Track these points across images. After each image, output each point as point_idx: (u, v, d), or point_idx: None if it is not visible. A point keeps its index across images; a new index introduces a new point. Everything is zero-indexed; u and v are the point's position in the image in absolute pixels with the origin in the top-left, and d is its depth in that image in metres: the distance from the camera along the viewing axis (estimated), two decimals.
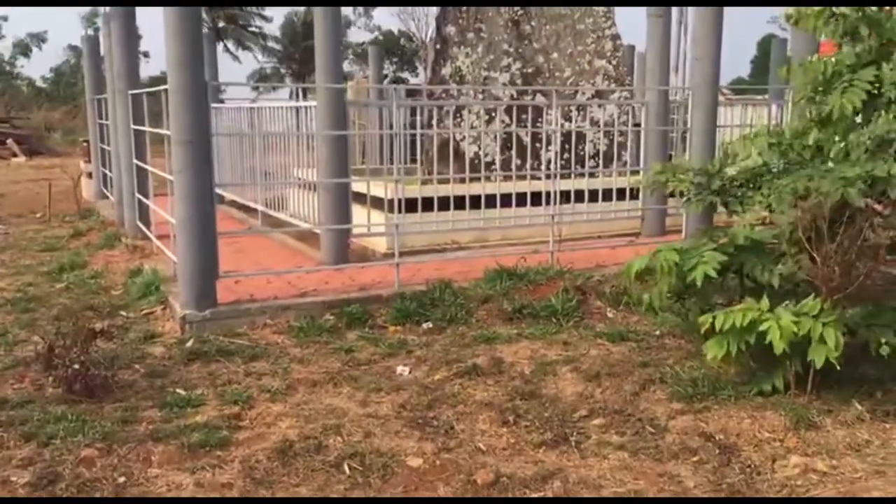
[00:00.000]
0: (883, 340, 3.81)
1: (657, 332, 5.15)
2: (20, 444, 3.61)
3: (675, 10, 9.34)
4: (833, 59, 4.11)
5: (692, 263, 4.06)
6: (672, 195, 7.18)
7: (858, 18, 4.10)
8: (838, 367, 3.64)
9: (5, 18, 40.29)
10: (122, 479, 3.30)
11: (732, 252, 4.20)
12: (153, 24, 9.55)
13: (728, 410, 3.89)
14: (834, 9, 4.20)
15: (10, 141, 23.30)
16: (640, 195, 7.54)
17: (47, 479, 3.29)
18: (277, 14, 42.29)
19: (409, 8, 35.41)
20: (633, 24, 9.22)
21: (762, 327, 3.65)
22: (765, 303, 3.79)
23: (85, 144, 12.51)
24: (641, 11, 7.62)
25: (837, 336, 3.56)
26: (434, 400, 4.13)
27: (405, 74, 41.69)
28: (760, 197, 4.26)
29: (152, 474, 3.36)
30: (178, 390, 4.29)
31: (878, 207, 3.90)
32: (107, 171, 10.57)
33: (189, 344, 4.98)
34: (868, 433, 3.66)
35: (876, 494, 3.14)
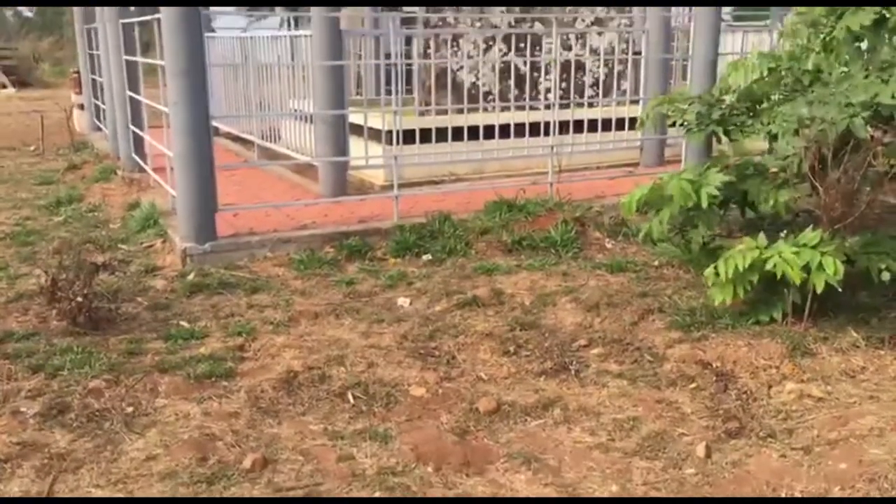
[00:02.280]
0: (883, 266, 3.84)
1: (656, 263, 5.19)
2: (28, 375, 3.66)
3: None
4: None
5: (697, 185, 4.06)
6: (672, 125, 7.15)
7: None
8: (839, 290, 3.68)
9: None
10: (130, 409, 3.37)
11: (735, 179, 4.20)
12: None
13: (725, 339, 3.95)
14: None
15: None
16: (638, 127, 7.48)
17: (57, 409, 3.35)
18: None
19: None
20: None
21: (768, 266, 3.67)
22: (762, 240, 3.81)
23: (75, 75, 12.29)
24: None
25: (837, 263, 3.59)
26: (435, 331, 4.18)
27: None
28: (760, 125, 4.24)
29: (160, 404, 3.42)
30: (181, 322, 4.33)
31: (883, 137, 3.87)
32: (99, 103, 10.43)
33: (190, 277, 5.01)
34: (863, 360, 3.73)
35: (869, 419, 3.21)
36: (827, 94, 3.85)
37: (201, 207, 5.23)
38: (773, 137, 4.12)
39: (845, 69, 4.06)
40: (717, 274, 3.79)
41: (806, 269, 3.62)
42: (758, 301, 4.11)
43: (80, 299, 4.14)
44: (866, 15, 3.91)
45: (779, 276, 3.68)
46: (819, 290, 3.63)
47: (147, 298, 4.71)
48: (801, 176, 4.06)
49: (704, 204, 4.02)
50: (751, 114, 4.47)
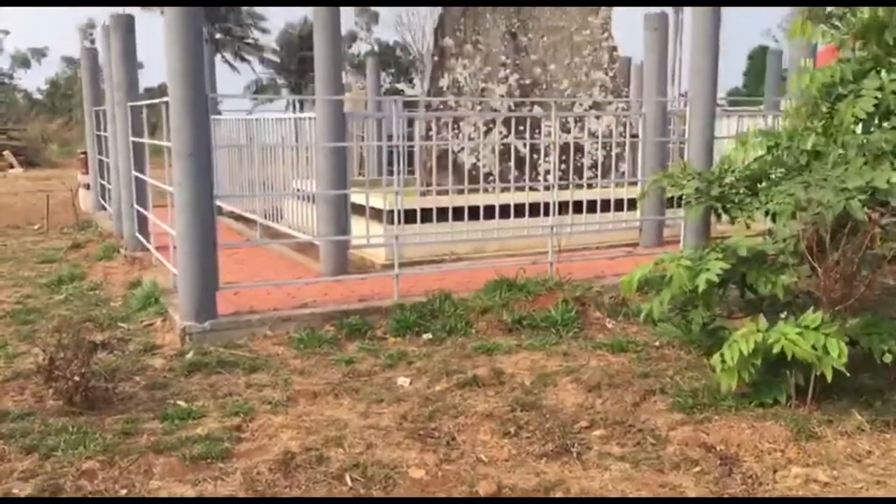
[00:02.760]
0: (885, 348, 3.83)
1: (657, 343, 5.16)
2: (21, 456, 3.60)
3: (670, 21, 9.40)
4: (839, 67, 4.13)
5: (696, 271, 4.08)
6: (670, 204, 7.23)
7: (866, 25, 4.11)
8: (847, 374, 3.66)
9: (6, 32, 40.30)
10: (123, 492, 3.30)
11: (734, 263, 4.22)
12: (148, 33, 9.59)
13: (729, 421, 3.90)
14: (840, 13, 4.23)
15: (6, 152, 23.29)
16: (638, 206, 7.57)
17: (49, 492, 3.28)
18: (275, 22, 42.35)
19: (406, 20, 35.53)
20: (629, 36, 9.28)
21: (774, 349, 3.67)
22: (762, 322, 3.81)
23: (82, 156, 12.51)
24: (638, 24, 7.69)
25: (841, 345, 3.58)
26: (435, 411, 4.13)
27: (401, 86, 41.79)
28: (758, 203, 4.29)
29: (154, 486, 3.36)
30: (178, 402, 4.29)
31: (880, 219, 3.91)
32: (105, 183, 10.58)
33: (189, 356, 4.98)
34: (868, 443, 3.67)
35: None
36: (823, 177, 3.90)
37: (202, 286, 5.24)
38: (771, 217, 4.17)
39: (842, 151, 4.13)
40: (722, 360, 3.79)
41: (812, 350, 3.61)
42: (761, 383, 4.08)
43: (77, 379, 4.10)
44: (867, 102, 3.99)
45: (789, 357, 3.67)
46: (829, 377, 3.62)
47: (145, 377, 4.67)
48: (800, 256, 4.09)
49: (702, 288, 4.03)
50: (750, 192, 4.52)
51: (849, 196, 3.69)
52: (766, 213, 4.18)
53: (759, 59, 38.01)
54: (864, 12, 4.06)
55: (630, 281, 4.38)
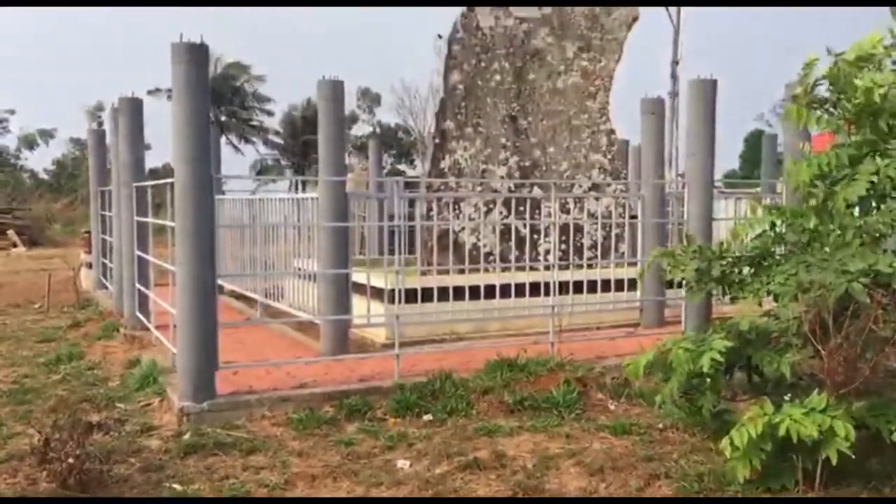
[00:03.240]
0: (893, 428, 3.79)
1: (660, 426, 5.09)
2: None
3: (667, 107, 9.62)
4: (835, 153, 4.20)
5: (700, 352, 4.06)
6: (671, 285, 7.24)
7: (860, 111, 4.20)
8: (854, 458, 3.60)
9: (12, 112, 41.08)
10: None
11: (739, 345, 4.21)
12: (155, 114, 9.80)
13: None
14: (834, 99, 4.32)
15: (10, 231, 23.47)
16: (639, 286, 7.59)
17: None
18: (279, 105, 43.21)
19: (408, 103, 36.33)
20: (627, 120, 9.47)
21: (780, 431, 3.63)
22: (768, 405, 3.79)
23: (86, 235, 12.60)
24: (636, 108, 7.85)
25: (847, 426, 3.54)
26: (435, 495, 4.04)
27: (402, 166, 42.41)
28: (760, 284, 4.29)
29: None
30: (174, 485, 4.20)
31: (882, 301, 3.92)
32: (107, 262, 10.63)
33: (186, 437, 4.91)
34: None
35: None
36: (824, 258, 3.93)
37: (201, 365, 5.21)
38: (774, 297, 4.17)
39: (839, 232, 4.16)
40: (732, 445, 3.74)
41: (818, 432, 3.57)
42: (768, 468, 4.00)
43: (71, 461, 4.04)
44: (860, 186, 4.04)
45: (795, 439, 3.62)
46: (833, 459, 3.57)
47: (140, 459, 4.59)
48: (803, 338, 4.08)
49: (706, 368, 4.01)
50: (752, 271, 4.53)
51: (850, 278, 3.70)
52: (769, 293, 4.19)
53: (754, 143, 38.72)
54: (858, 98, 4.15)
55: (636, 366, 4.37)
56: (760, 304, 4.46)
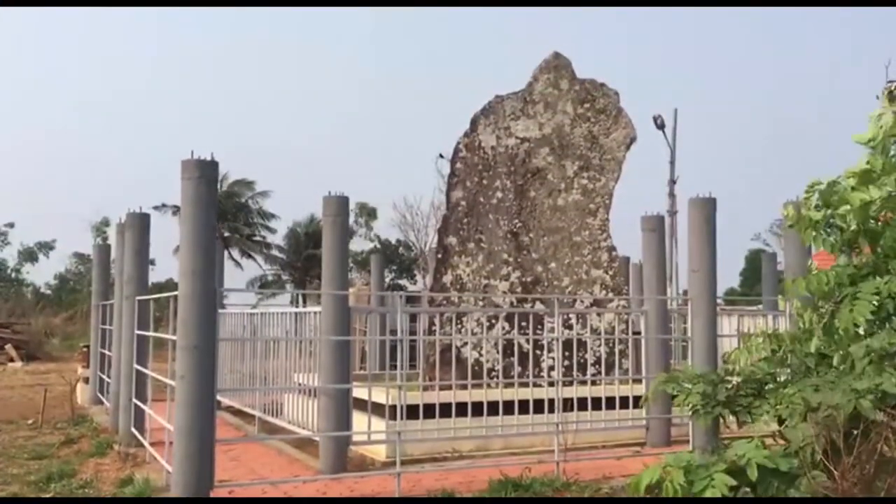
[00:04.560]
0: None
1: None
2: None
3: (666, 225, 9.77)
4: (834, 272, 4.21)
5: (702, 485, 3.93)
6: (678, 405, 7.12)
7: (857, 231, 4.24)
8: None
9: (11, 225, 41.49)
10: None
11: (743, 479, 4.08)
12: (160, 231, 9.91)
13: None
14: (832, 220, 4.37)
15: (8, 346, 23.32)
16: (644, 405, 7.47)
17: None
18: (282, 221, 43.82)
19: (409, 219, 36.85)
20: (627, 237, 9.58)
21: None
22: None
23: (84, 349, 12.51)
24: (636, 225, 7.96)
25: None
26: None
27: (403, 281, 42.61)
28: (768, 406, 4.22)
29: None
30: None
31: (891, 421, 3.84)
32: (104, 376, 10.50)
33: None
34: None
35: None
36: (832, 380, 3.88)
37: (197, 484, 5.06)
38: (780, 421, 4.09)
39: (846, 353, 4.13)
40: None
41: None
42: None
43: None
44: (865, 308, 4.03)
45: None
46: None
47: None
48: (815, 463, 3.96)
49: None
50: (757, 394, 4.46)
51: (858, 396, 3.64)
52: (776, 416, 4.11)
53: (754, 261, 39.12)
54: (854, 217, 4.21)
55: (637, 484, 4.23)
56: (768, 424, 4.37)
